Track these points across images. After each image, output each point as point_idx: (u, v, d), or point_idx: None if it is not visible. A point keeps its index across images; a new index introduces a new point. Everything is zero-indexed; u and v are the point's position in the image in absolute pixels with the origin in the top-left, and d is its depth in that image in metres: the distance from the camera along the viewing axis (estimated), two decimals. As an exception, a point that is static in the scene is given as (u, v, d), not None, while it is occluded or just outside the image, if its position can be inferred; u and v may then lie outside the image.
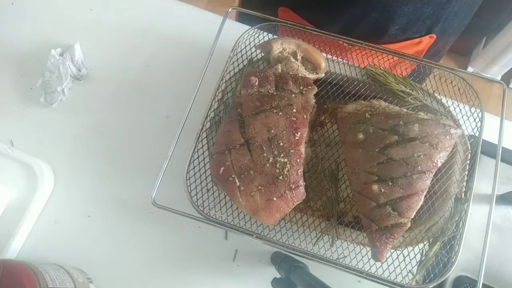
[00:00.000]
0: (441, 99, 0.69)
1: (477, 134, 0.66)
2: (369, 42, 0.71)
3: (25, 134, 0.77)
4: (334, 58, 0.73)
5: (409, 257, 0.62)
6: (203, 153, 0.66)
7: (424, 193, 0.59)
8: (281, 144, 0.60)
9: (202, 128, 0.66)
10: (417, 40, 0.80)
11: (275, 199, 0.58)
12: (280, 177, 0.58)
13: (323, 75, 0.71)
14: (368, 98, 0.69)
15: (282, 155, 0.59)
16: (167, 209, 0.61)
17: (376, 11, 0.74)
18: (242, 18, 0.79)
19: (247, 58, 0.73)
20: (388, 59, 0.72)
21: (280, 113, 0.61)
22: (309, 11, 0.80)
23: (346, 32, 0.71)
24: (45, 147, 0.76)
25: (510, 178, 0.72)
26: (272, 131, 0.60)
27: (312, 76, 0.69)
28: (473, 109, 0.68)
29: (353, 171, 0.62)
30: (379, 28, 0.76)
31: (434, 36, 0.81)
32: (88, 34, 0.84)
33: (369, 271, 0.60)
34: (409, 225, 0.58)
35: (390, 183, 0.58)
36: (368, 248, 0.61)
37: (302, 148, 0.60)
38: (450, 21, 0.79)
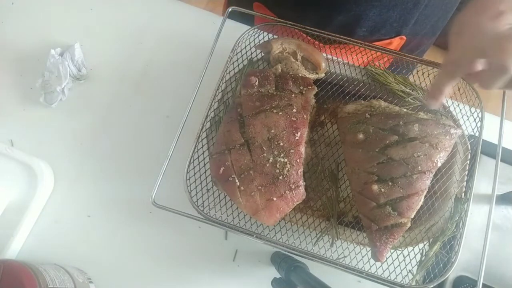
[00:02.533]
0: (441, 99, 0.69)
1: (477, 134, 0.66)
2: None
3: (25, 134, 0.77)
4: (334, 58, 0.73)
5: (409, 257, 0.62)
6: (203, 153, 0.66)
7: (424, 193, 0.59)
8: (281, 144, 0.60)
9: (202, 128, 0.66)
10: (387, 41, 0.82)
11: (275, 199, 0.58)
12: (280, 177, 0.58)
13: (323, 75, 0.71)
14: (368, 98, 0.69)
15: (282, 155, 0.59)
16: (167, 209, 0.61)
17: (341, 14, 0.75)
18: (235, 17, 0.80)
19: (247, 58, 0.73)
20: (366, 53, 0.73)
21: (280, 113, 0.61)
22: (280, 8, 0.81)
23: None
24: (45, 147, 0.76)
25: (510, 178, 0.72)
26: (272, 131, 0.60)
27: (312, 76, 0.69)
28: (473, 109, 0.68)
29: (353, 171, 0.62)
30: (347, 30, 0.77)
31: (404, 37, 0.82)
32: (88, 34, 0.84)
33: (369, 271, 0.60)
34: (409, 225, 0.58)
35: (390, 183, 0.58)
36: (368, 248, 0.61)
37: (302, 148, 0.60)
38: (421, 23, 0.80)
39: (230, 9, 0.74)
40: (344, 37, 0.71)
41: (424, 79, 0.71)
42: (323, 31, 0.72)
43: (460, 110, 0.69)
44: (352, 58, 0.73)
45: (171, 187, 0.63)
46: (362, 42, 0.72)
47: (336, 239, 0.63)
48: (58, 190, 0.73)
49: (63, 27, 0.85)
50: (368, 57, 0.73)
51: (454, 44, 0.54)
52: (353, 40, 0.72)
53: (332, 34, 0.71)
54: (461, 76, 0.54)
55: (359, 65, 0.72)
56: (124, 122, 0.78)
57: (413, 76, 0.73)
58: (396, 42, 0.82)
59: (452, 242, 0.60)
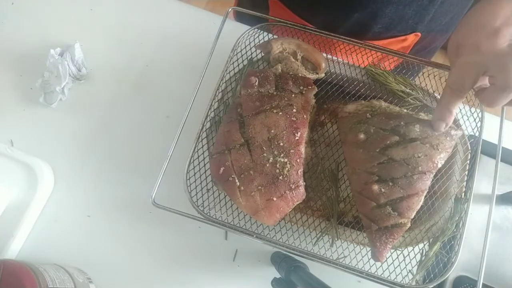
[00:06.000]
0: (441, 99, 0.69)
1: (477, 134, 0.66)
2: (354, 38, 0.73)
3: (25, 134, 0.77)
4: (334, 58, 0.73)
5: (409, 257, 0.62)
6: (203, 153, 0.66)
7: (424, 194, 0.59)
8: (281, 144, 0.60)
9: (202, 128, 0.66)
10: (402, 37, 0.82)
11: (275, 199, 0.58)
12: (280, 177, 0.58)
13: (323, 75, 0.71)
14: (368, 98, 0.69)
15: (282, 155, 0.59)
16: (167, 209, 0.61)
17: (358, 12, 0.75)
18: (240, 18, 0.80)
19: (247, 58, 0.73)
20: (372, 55, 0.73)
21: (280, 113, 0.61)
22: (295, 5, 0.82)
23: (331, 28, 0.73)
24: (45, 147, 0.76)
25: (510, 178, 0.72)
26: (272, 131, 0.60)
27: (312, 76, 0.69)
28: (473, 109, 0.68)
29: (353, 171, 0.62)
30: (363, 27, 0.78)
31: (419, 34, 0.82)
32: (88, 34, 0.84)
33: (369, 271, 0.60)
34: (409, 225, 0.58)
35: (390, 183, 0.58)
36: (368, 248, 0.61)
37: (302, 148, 0.60)
38: (437, 20, 0.80)
39: (230, 9, 0.74)
40: (349, 38, 0.71)
41: (430, 80, 0.71)
42: (324, 31, 0.72)
43: (460, 110, 0.69)
44: (358, 59, 0.73)
45: (171, 187, 0.63)
46: (362, 42, 0.72)
47: (336, 239, 0.63)
48: (58, 190, 0.73)
49: (63, 27, 0.85)
50: (374, 59, 0.73)
51: (455, 64, 0.55)
52: (355, 41, 0.72)
53: (336, 35, 0.71)
54: (465, 94, 0.55)
55: (359, 65, 0.72)
56: (124, 122, 0.78)
57: (418, 78, 0.72)
58: (411, 39, 0.82)
59: (452, 242, 0.60)
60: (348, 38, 0.72)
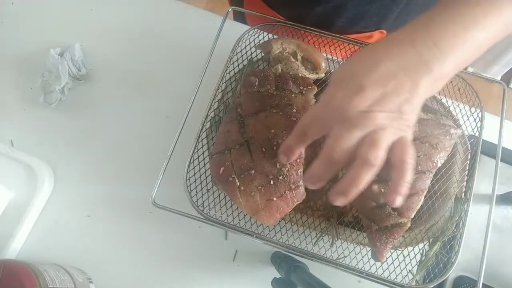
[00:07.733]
0: (441, 99, 0.69)
1: (477, 134, 0.66)
2: (320, 31, 0.74)
3: (25, 134, 0.77)
4: (334, 58, 0.73)
5: (409, 257, 0.62)
6: (203, 153, 0.66)
7: (424, 193, 0.59)
8: (281, 144, 0.59)
9: (202, 128, 0.66)
10: (368, 34, 0.82)
11: (275, 199, 0.58)
12: (280, 177, 0.58)
13: (323, 75, 0.71)
14: (368, 98, 0.69)
15: (282, 155, 0.59)
16: (167, 209, 0.61)
17: (321, 5, 0.76)
18: (239, 17, 0.81)
19: (247, 58, 0.73)
20: (345, 48, 0.74)
21: (280, 113, 0.61)
22: None
23: (298, 19, 0.74)
24: (45, 147, 0.76)
25: (510, 178, 0.72)
26: (272, 131, 0.60)
27: (312, 76, 0.69)
28: (473, 109, 0.68)
29: (353, 171, 0.62)
30: (327, 20, 0.79)
31: (385, 32, 0.83)
32: (88, 34, 0.84)
33: (369, 271, 0.60)
34: (409, 225, 0.58)
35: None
36: (368, 248, 0.61)
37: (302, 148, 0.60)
38: (402, 20, 0.81)
39: (230, 9, 0.74)
40: (349, 38, 0.72)
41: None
42: (323, 31, 0.72)
43: (460, 110, 0.69)
44: (336, 53, 0.74)
45: (171, 187, 0.63)
46: (362, 42, 0.72)
47: (336, 239, 0.63)
48: (58, 190, 0.73)
49: (63, 27, 0.85)
50: (347, 52, 0.74)
51: (321, 97, 0.46)
52: (355, 40, 0.72)
53: (336, 35, 0.72)
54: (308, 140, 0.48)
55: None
56: (124, 122, 0.78)
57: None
58: (377, 36, 0.83)
59: (452, 242, 0.60)
60: (348, 38, 0.72)
